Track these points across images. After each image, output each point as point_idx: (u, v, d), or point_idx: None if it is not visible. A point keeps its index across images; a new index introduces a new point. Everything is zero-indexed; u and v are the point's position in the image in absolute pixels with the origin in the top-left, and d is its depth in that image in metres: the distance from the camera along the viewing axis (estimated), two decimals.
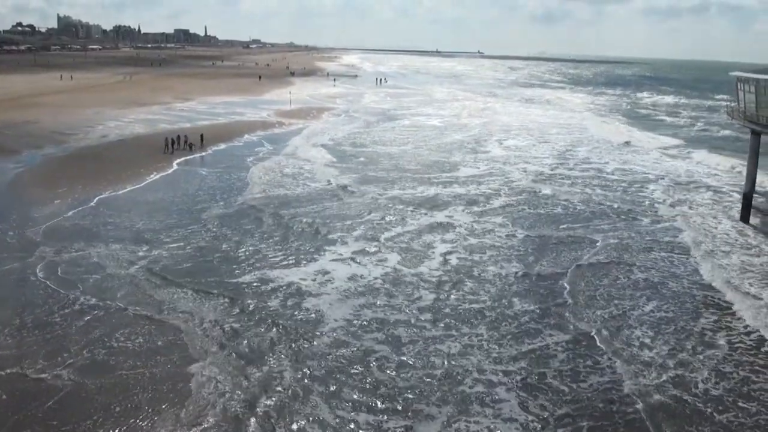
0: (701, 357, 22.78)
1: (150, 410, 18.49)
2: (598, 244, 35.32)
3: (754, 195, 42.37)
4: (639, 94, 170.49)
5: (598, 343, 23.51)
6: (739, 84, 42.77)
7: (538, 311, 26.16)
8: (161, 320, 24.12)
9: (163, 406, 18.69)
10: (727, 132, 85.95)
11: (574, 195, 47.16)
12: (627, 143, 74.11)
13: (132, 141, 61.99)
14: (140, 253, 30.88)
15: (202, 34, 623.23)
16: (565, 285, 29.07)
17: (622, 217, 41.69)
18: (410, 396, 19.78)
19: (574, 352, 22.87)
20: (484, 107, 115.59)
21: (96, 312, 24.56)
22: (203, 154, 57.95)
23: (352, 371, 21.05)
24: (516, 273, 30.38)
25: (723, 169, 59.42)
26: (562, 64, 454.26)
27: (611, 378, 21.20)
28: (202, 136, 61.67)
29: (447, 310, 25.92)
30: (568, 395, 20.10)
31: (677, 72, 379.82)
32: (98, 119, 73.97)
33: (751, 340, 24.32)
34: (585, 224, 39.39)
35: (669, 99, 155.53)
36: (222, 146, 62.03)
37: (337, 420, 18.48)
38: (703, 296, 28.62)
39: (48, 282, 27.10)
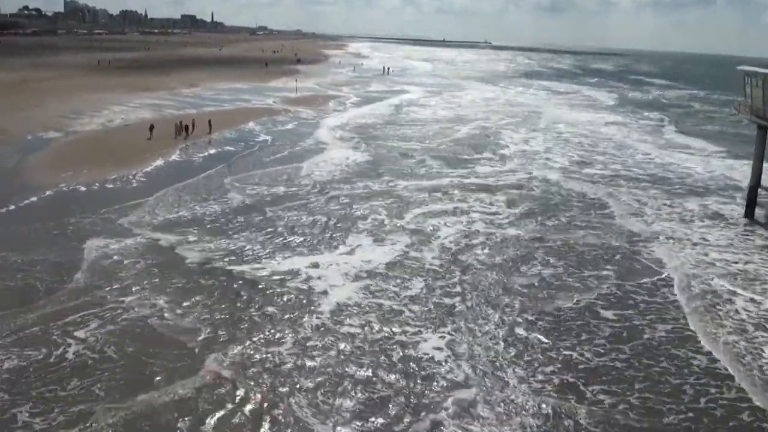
0: None
1: None
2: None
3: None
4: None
5: None
6: (746, 78, 42.15)
7: None
8: None
9: None
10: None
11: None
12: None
13: (136, 127, 61.86)
14: None
15: (208, 20, 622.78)
16: None
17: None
18: None
19: None
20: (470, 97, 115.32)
21: None
22: (208, 140, 58.06)
23: None
24: None
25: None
26: (555, 55, 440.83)
27: None
28: (210, 122, 62.68)
29: None
30: None
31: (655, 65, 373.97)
32: (103, 104, 73.95)
33: None
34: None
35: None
36: (225, 133, 61.81)
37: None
38: None
39: None
